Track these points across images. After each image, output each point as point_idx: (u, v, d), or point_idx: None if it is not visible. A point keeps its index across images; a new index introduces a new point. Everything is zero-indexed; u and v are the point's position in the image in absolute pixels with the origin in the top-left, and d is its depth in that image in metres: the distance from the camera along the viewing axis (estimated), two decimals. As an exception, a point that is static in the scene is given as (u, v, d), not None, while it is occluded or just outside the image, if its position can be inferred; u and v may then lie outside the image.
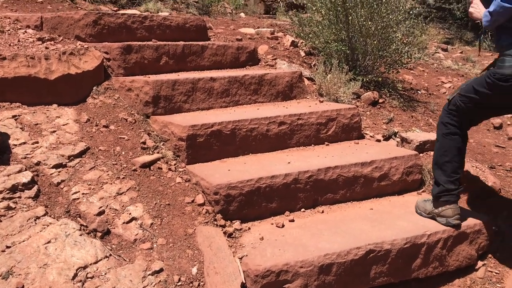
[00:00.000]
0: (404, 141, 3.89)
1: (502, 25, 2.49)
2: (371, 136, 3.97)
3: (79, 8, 5.80)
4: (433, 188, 2.95)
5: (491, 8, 2.44)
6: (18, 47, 3.70)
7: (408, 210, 3.12)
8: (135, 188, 2.87)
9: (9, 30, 4.10)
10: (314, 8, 5.10)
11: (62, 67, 3.56)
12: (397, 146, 3.86)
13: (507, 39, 2.49)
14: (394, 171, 3.34)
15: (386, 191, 3.36)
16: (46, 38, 3.97)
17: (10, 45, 3.74)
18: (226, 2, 7.97)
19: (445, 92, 5.67)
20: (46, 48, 3.74)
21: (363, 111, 4.46)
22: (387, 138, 3.98)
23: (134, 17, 4.42)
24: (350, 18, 4.78)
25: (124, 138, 3.29)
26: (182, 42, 4.27)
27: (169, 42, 4.20)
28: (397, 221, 2.95)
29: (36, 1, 5.74)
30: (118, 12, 4.67)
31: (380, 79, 4.91)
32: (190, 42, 4.35)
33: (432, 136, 3.83)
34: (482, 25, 2.54)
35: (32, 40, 3.93)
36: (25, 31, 4.14)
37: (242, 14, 7.60)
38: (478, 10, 2.59)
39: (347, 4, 4.73)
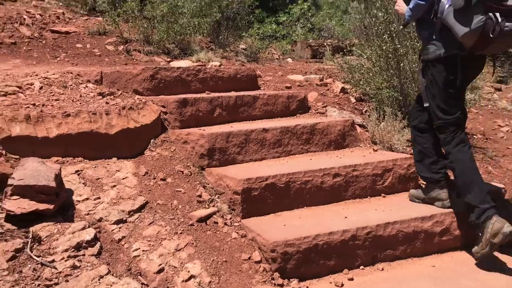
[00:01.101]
0: (464, 191, 3.74)
1: (422, 18, 3.05)
2: (428, 187, 3.85)
3: (134, 60, 6.07)
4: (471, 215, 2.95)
5: (411, 5, 3.02)
6: (80, 103, 3.88)
7: (472, 268, 2.98)
8: (193, 243, 2.88)
9: (71, 85, 4.32)
10: (365, 57, 5.11)
11: (121, 121, 3.70)
12: (457, 197, 3.72)
13: (427, 30, 3.03)
14: (456, 225, 3.21)
15: (447, 246, 3.22)
16: (106, 92, 4.15)
17: (73, 100, 3.94)
18: (273, 48, 8.14)
19: (503, 136, 5.47)
20: (107, 103, 3.91)
21: (418, 159, 4.35)
22: (445, 188, 3.85)
23: (188, 70, 4.57)
24: (401, 64, 4.75)
25: (180, 191, 3.35)
26: (234, 94, 4.36)
27: (222, 94, 4.30)
28: (461, 279, 2.82)
29: (95, 54, 6.05)
30: (173, 66, 4.84)
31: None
32: (242, 93, 4.44)
33: (494, 185, 3.68)
34: (405, 19, 3.15)
35: (93, 95, 4.12)
36: (86, 86, 4.35)
37: (289, 59, 7.72)
38: (402, 7, 3.17)
39: (398, 52, 4.71)
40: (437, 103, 3.06)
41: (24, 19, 6.35)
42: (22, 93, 3.96)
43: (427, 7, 2.95)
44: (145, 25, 6.46)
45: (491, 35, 2.64)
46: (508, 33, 2.64)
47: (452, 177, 3.23)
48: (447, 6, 2.78)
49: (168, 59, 6.29)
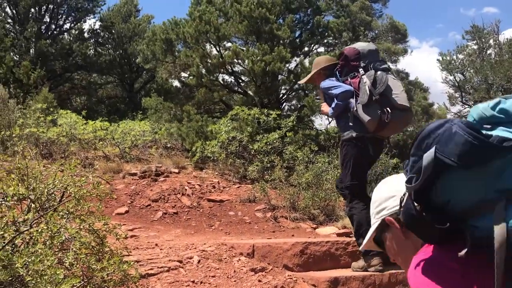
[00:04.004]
0: None
1: (339, 115, 4.14)
2: None
3: (281, 227, 6.25)
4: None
5: (333, 105, 4.10)
6: (235, 280, 4.01)
7: None
8: None
9: (226, 258, 4.53)
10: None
11: (273, 302, 3.69)
12: None
13: (343, 122, 4.13)
14: None
15: None
16: (258, 268, 4.25)
17: (228, 277, 4.09)
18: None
19: None
20: (259, 281, 3.98)
21: None
22: None
23: (337, 244, 4.54)
24: None
25: None
26: (387, 272, 4.14)
27: (375, 272, 4.12)
28: None
29: (245, 222, 6.39)
30: (322, 240, 4.85)
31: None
32: (396, 271, 4.20)
33: None
34: (329, 115, 4.25)
35: (245, 270, 4.24)
36: (239, 259, 4.52)
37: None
38: (326, 108, 4.27)
39: None
40: (348, 170, 4.10)
41: (186, 189, 7.12)
42: (182, 267, 4.24)
43: (344, 106, 4.03)
44: (291, 192, 6.76)
45: (386, 121, 3.81)
46: (395, 120, 3.86)
47: None
48: (356, 103, 3.92)
49: (314, 226, 6.37)
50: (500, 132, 0.96)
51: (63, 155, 8.35)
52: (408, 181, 0.99)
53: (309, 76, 4.63)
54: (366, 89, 3.87)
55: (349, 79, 4.12)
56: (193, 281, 3.91)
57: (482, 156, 0.90)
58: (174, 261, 4.34)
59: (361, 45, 4.21)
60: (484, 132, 0.95)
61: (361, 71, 4.04)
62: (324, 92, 4.33)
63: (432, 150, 0.94)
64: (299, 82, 8.85)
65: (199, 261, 4.40)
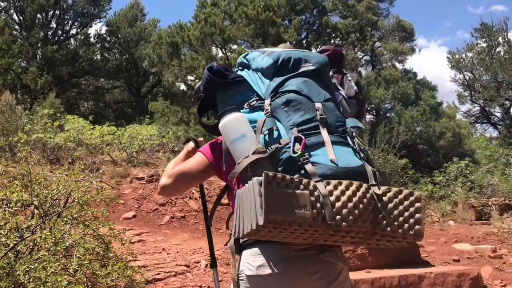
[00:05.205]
0: None
1: None
2: None
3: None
4: None
5: None
6: (242, 284, 3.96)
7: None
8: None
9: (233, 262, 4.49)
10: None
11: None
12: None
13: None
14: None
15: None
16: (266, 272, 4.20)
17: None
18: (432, 210, 7.70)
19: None
20: (267, 285, 3.92)
21: None
22: None
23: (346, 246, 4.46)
24: None
25: None
26: (397, 273, 4.07)
27: (384, 274, 4.04)
28: None
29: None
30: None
31: None
32: (405, 272, 4.12)
33: None
34: None
35: (253, 274, 4.19)
36: (247, 263, 4.48)
37: (451, 222, 7.18)
38: None
39: None
40: None
41: (193, 193, 7.07)
42: (189, 272, 4.20)
43: None
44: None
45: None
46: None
47: None
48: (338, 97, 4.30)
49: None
50: (242, 72, 1.50)
51: (70, 160, 8.35)
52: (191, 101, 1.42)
53: None
54: (353, 85, 4.08)
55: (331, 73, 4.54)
56: (200, 286, 3.87)
57: (217, 87, 1.47)
58: (181, 265, 4.30)
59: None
60: (237, 72, 1.51)
61: (344, 70, 4.35)
62: None
63: (200, 82, 1.53)
64: None
65: (206, 266, 4.35)
